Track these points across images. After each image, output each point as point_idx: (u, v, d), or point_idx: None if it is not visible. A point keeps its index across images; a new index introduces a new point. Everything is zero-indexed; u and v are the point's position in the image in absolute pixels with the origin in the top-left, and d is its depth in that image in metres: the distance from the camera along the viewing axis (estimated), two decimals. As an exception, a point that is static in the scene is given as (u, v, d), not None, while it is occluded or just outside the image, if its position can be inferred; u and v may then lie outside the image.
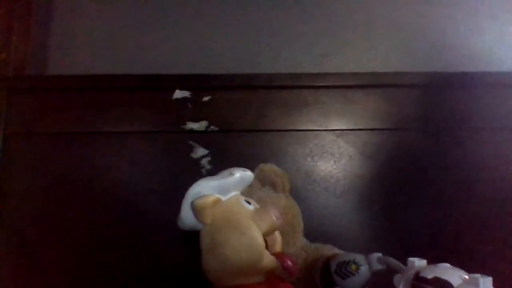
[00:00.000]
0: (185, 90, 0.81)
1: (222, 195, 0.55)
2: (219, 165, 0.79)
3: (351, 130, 0.81)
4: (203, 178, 0.56)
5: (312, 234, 0.72)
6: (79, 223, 0.78)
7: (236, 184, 0.57)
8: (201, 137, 0.80)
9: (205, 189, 0.55)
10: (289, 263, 0.52)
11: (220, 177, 0.56)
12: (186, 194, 0.55)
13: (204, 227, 0.55)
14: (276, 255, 0.54)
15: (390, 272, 0.51)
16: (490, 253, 0.75)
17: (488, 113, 0.80)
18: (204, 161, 0.79)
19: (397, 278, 0.48)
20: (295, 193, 0.75)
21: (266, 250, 0.53)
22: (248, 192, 0.64)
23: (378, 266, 0.54)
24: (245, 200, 0.57)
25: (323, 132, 0.81)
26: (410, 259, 0.48)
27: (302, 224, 0.72)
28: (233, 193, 0.57)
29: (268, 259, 0.52)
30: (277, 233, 0.57)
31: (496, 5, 0.91)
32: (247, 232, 0.51)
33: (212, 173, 0.79)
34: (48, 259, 0.77)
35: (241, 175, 0.57)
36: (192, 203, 0.54)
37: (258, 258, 0.51)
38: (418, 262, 0.48)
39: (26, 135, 0.82)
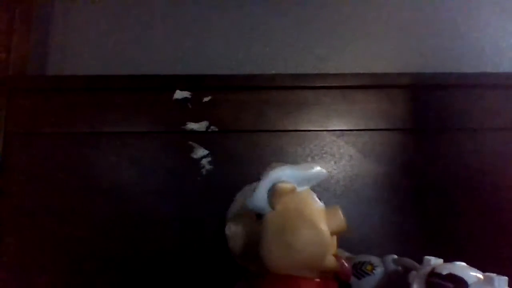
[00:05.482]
0: (186, 90, 0.81)
1: (298, 185, 0.55)
2: (219, 165, 0.79)
3: (351, 130, 0.81)
4: (286, 165, 0.55)
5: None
6: (79, 223, 0.78)
7: (311, 179, 0.57)
8: (201, 138, 0.80)
9: (286, 176, 0.54)
10: (347, 266, 0.52)
11: (301, 168, 0.56)
12: (265, 176, 0.54)
13: (273, 212, 0.54)
14: (334, 257, 0.54)
15: (406, 273, 0.51)
16: (496, 254, 0.75)
17: (487, 113, 0.80)
18: (204, 162, 0.79)
19: (412, 275, 0.49)
20: (295, 193, 0.75)
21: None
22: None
23: (393, 267, 0.54)
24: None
25: (323, 132, 0.81)
26: (426, 257, 0.49)
27: None
28: (305, 187, 0.57)
29: (331, 258, 0.52)
30: (334, 237, 0.57)
31: (496, 6, 0.91)
32: (318, 227, 0.51)
33: (212, 173, 0.79)
34: (47, 258, 0.77)
35: (319, 171, 0.57)
36: (273, 186, 0.53)
37: (322, 254, 0.51)
38: (434, 261, 0.48)
39: (26, 135, 0.82)
